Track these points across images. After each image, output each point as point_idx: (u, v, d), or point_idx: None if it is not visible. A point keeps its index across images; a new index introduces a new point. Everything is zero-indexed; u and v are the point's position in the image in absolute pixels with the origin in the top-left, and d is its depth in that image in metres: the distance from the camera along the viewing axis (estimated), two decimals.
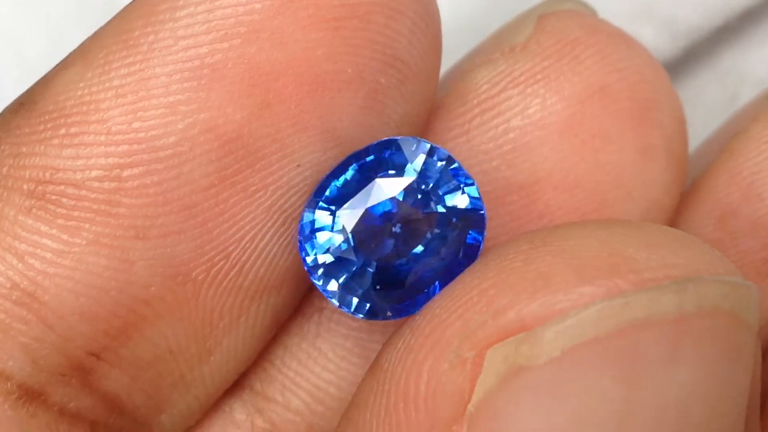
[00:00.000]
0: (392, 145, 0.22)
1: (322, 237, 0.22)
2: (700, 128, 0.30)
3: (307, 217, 0.22)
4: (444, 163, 0.22)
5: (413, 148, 0.22)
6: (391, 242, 0.22)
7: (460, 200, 0.22)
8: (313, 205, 0.22)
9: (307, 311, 0.25)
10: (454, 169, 0.22)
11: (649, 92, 0.25)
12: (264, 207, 0.22)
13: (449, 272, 0.22)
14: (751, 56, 0.35)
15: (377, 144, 0.22)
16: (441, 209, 0.22)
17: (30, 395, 0.21)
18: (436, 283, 0.22)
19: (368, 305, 0.22)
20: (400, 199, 0.22)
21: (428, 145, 0.22)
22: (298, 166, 0.22)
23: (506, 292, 0.19)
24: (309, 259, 0.22)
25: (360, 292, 0.22)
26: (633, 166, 0.24)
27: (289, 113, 0.21)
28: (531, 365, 0.18)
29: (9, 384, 0.21)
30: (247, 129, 0.21)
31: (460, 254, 0.22)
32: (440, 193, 0.22)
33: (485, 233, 0.22)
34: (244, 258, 0.22)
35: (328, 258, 0.22)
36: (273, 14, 0.21)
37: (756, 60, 0.35)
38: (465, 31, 0.34)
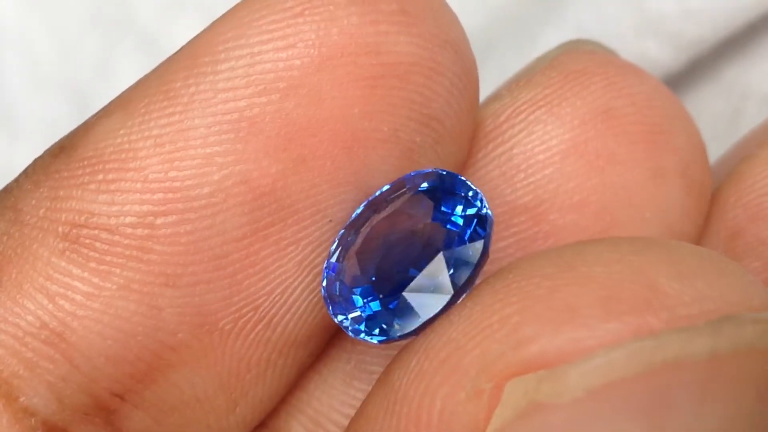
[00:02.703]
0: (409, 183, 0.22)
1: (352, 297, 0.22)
2: (705, 142, 0.30)
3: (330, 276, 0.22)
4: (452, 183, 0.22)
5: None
6: (403, 269, 0.22)
7: (467, 212, 0.22)
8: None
9: (332, 354, 0.25)
10: (460, 183, 0.22)
11: (659, 117, 0.24)
12: (295, 261, 0.22)
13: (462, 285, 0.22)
14: (755, 70, 0.35)
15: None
16: (444, 223, 0.22)
17: None
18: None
19: (379, 330, 0.22)
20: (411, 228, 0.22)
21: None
22: (330, 221, 0.22)
23: (530, 322, 0.18)
24: (343, 321, 0.22)
25: (372, 319, 0.22)
26: (644, 188, 0.24)
27: (323, 169, 0.21)
28: (552, 403, 0.18)
29: (33, 420, 0.21)
30: (281, 183, 0.21)
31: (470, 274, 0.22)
32: (447, 209, 0.22)
33: (491, 233, 0.22)
34: (273, 311, 0.22)
35: (343, 288, 0.22)
36: (312, 71, 0.21)
37: (759, 73, 0.35)
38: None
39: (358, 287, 0.22)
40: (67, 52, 0.38)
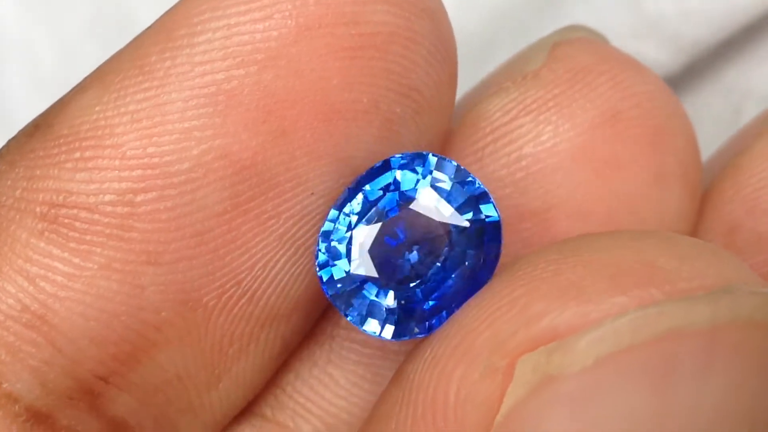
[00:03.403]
0: (405, 161, 0.22)
1: (340, 264, 0.22)
2: (704, 143, 0.30)
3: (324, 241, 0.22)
4: (456, 176, 0.22)
5: (425, 165, 0.22)
6: (408, 261, 0.22)
7: (475, 212, 0.22)
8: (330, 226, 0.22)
9: (318, 338, 0.25)
10: (469, 182, 0.22)
11: (661, 118, 0.25)
12: (277, 235, 0.22)
13: (473, 284, 0.22)
14: (754, 72, 0.35)
15: (387, 163, 0.22)
16: (456, 222, 0.22)
17: (38, 418, 0.21)
18: (460, 297, 0.22)
19: (393, 326, 0.22)
20: (415, 217, 0.21)
21: (435, 159, 0.22)
22: (312, 194, 0.22)
23: (538, 300, 0.19)
24: (329, 288, 0.22)
25: (383, 314, 0.22)
26: (646, 193, 0.24)
27: (303, 141, 0.21)
28: (562, 374, 0.18)
29: (17, 406, 0.21)
30: (261, 156, 0.21)
31: (481, 263, 0.22)
32: (455, 207, 0.22)
33: (502, 241, 0.22)
34: (255, 286, 0.22)
35: (348, 284, 0.22)
36: (290, 42, 0.21)
37: (759, 75, 0.35)
38: (467, 45, 0.34)
39: (370, 282, 0.22)
40: (67, 55, 0.37)
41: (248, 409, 0.25)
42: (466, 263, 0.22)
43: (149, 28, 0.22)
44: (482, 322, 0.19)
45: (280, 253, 0.22)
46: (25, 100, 0.37)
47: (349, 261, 0.22)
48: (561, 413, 0.18)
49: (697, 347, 0.18)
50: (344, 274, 0.22)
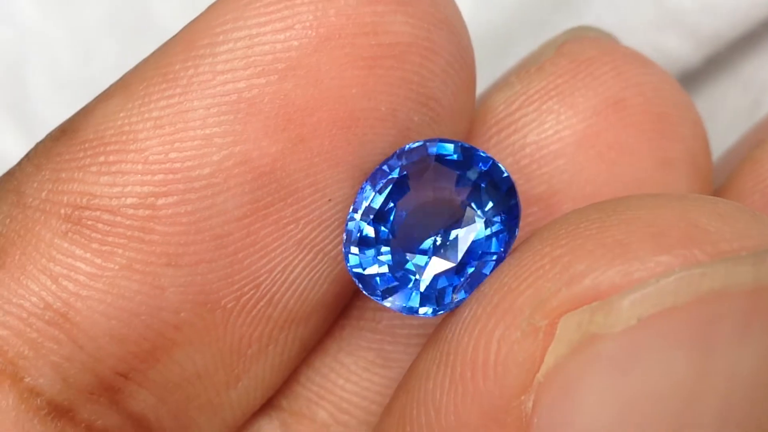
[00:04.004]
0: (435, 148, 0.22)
1: (368, 249, 0.22)
2: (723, 135, 0.30)
3: (353, 227, 0.22)
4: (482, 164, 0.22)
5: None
6: (434, 234, 0.22)
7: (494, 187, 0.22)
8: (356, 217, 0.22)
9: (330, 329, 0.26)
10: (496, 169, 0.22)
11: (666, 106, 0.25)
12: (295, 240, 0.22)
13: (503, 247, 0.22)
14: None
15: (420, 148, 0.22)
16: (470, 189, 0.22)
17: (59, 412, 0.22)
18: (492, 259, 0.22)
19: (433, 303, 0.22)
20: (436, 194, 0.22)
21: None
22: (330, 200, 0.22)
23: (582, 259, 0.19)
24: (357, 271, 0.22)
25: (415, 291, 0.22)
26: (652, 178, 0.24)
27: (322, 149, 0.22)
28: (605, 333, 0.18)
29: (39, 400, 0.22)
30: (280, 163, 0.22)
31: (502, 221, 0.22)
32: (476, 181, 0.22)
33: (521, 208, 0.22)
34: (273, 289, 0.22)
35: (376, 269, 0.22)
36: (310, 52, 0.21)
37: None
38: (486, 41, 0.34)
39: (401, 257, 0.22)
40: (87, 54, 0.38)
41: (271, 403, 0.26)
42: (487, 224, 0.22)
43: (173, 37, 0.22)
44: (523, 281, 0.19)
45: (299, 257, 0.22)
46: (46, 98, 0.37)
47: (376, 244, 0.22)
48: (603, 372, 0.18)
49: (739, 308, 0.18)
50: (372, 259, 0.22)
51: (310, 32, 0.21)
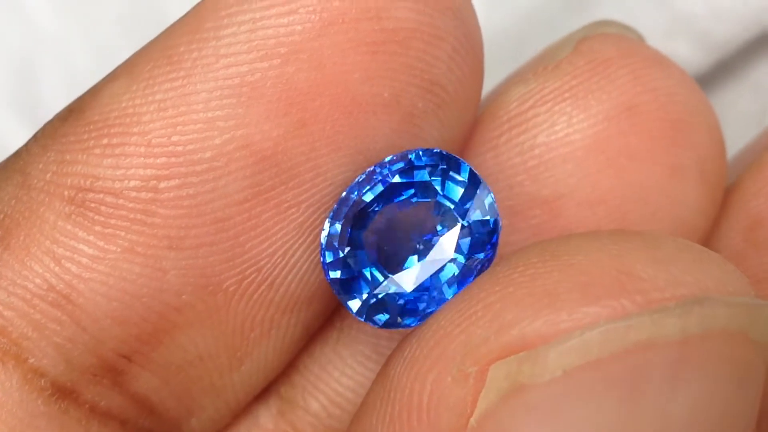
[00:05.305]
0: (417, 159, 0.22)
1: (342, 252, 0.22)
2: (732, 140, 0.30)
3: (329, 230, 0.22)
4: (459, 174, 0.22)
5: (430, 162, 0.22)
6: (408, 253, 0.22)
7: (475, 211, 0.22)
8: (333, 218, 0.22)
9: (331, 318, 0.26)
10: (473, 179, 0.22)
11: (681, 113, 0.25)
12: (296, 223, 0.22)
13: (466, 278, 0.22)
14: None
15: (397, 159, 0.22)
16: (455, 219, 0.22)
17: (62, 392, 0.22)
18: (455, 288, 0.22)
19: (387, 315, 0.22)
20: (417, 214, 0.22)
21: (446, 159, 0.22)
22: (331, 184, 0.22)
23: (511, 308, 0.19)
24: (331, 274, 0.22)
25: (379, 305, 0.22)
26: (661, 186, 0.24)
27: (324, 133, 0.22)
28: (533, 384, 0.19)
29: (43, 381, 0.22)
30: (282, 147, 0.22)
31: (476, 262, 0.22)
32: (454, 203, 0.22)
33: (499, 238, 0.22)
34: (275, 272, 0.23)
35: (347, 273, 0.22)
36: (313, 36, 0.21)
37: None
38: (498, 43, 0.34)
39: (367, 268, 0.22)
40: (99, 54, 0.38)
41: (265, 388, 0.26)
42: (463, 256, 0.22)
43: (179, 20, 0.22)
44: (457, 326, 0.20)
45: (300, 241, 0.22)
46: (60, 99, 0.38)
47: (349, 249, 0.22)
48: (531, 422, 0.19)
49: (667, 359, 0.18)
50: (344, 263, 0.22)
51: (313, 17, 0.21)
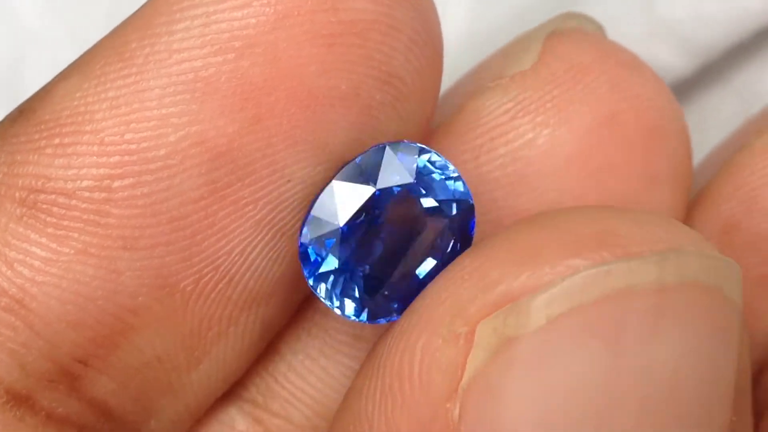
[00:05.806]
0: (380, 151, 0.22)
1: (317, 250, 0.22)
2: (715, 144, 0.30)
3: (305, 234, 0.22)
4: (428, 159, 0.22)
5: (397, 152, 0.22)
6: (381, 243, 0.22)
7: (447, 193, 0.22)
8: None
9: (305, 324, 0.25)
10: (440, 164, 0.22)
11: (657, 119, 0.25)
12: (254, 221, 0.22)
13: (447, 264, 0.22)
14: (766, 76, 0.35)
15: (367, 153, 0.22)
16: (429, 204, 0.22)
17: (17, 399, 0.22)
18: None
19: (367, 309, 0.22)
20: (386, 201, 0.22)
21: (415, 147, 0.22)
22: (289, 181, 0.22)
23: (496, 267, 0.19)
24: (307, 273, 0.22)
25: (357, 297, 0.22)
26: (638, 195, 0.24)
27: (280, 128, 0.21)
28: (519, 335, 0.19)
29: None
30: (238, 143, 0.21)
31: (457, 246, 0.22)
32: (427, 190, 0.22)
33: (475, 221, 0.22)
34: (233, 270, 0.22)
35: (325, 269, 0.22)
36: (268, 29, 0.21)
37: None
38: (483, 45, 0.34)
39: (347, 265, 0.22)
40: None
41: (238, 393, 0.25)
42: (441, 242, 0.22)
43: (131, 15, 0.22)
44: (444, 291, 0.20)
45: (258, 238, 0.22)
46: None
47: (330, 246, 0.22)
48: (521, 374, 0.19)
49: (645, 307, 0.19)
50: (326, 260, 0.22)
51: (267, 9, 0.21)
